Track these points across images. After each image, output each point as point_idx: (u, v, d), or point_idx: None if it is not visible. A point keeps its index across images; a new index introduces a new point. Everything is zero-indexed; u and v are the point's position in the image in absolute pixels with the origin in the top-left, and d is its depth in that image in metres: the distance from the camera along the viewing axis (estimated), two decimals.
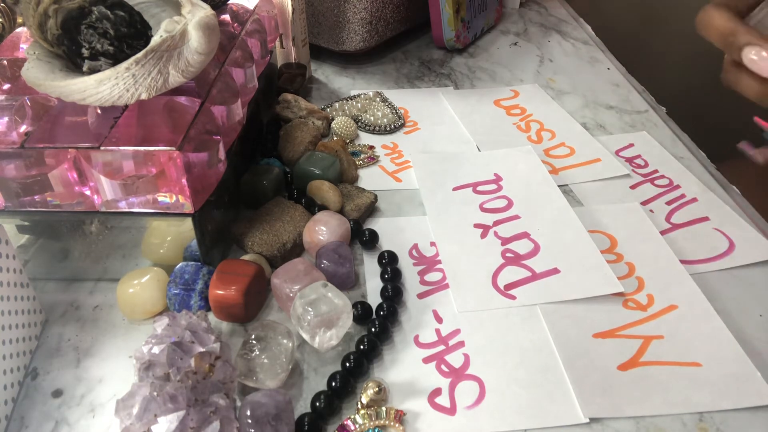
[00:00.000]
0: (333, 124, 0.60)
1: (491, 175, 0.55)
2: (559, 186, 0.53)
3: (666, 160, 0.57)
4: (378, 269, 0.45)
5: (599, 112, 0.66)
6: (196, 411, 0.31)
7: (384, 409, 0.35)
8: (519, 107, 0.66)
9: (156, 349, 0.33)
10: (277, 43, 0.64)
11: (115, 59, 0.38)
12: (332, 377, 0.37)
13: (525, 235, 0.48)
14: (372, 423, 0.35)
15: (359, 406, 0.36)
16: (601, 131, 0.62)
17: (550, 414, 0.36)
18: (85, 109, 0.41)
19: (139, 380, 0.33)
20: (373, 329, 0.39)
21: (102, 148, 0.37)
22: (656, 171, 0.56)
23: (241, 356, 0.36)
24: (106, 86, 0.36)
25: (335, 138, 0.59)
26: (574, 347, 0.39)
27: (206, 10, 0.40)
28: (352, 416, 0.35)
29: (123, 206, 0.39)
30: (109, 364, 0.39)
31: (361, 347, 0.38)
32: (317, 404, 0.35)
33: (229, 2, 0.54)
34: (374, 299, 0.43)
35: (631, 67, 0.76)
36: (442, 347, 0.40)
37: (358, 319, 0.41)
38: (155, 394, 0.31)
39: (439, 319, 0.42)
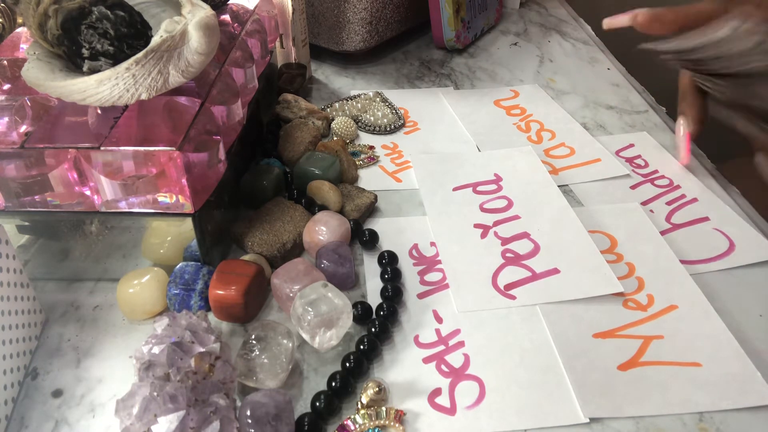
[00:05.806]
0: (333, 124, 0.60)
1: (491, 175, 0.55)
2: (559, 186, 0.53)
3: (666, 160, 0.57)
4: (378, 269, 0.45)
5: (599, 112, 0.66)
6: (196, 411, 0.31)
7: (384, 409, 0.35)
8: (519, 107, 0.66)
9: (156, 349, 0.33)
10: (277, 43, 0.64)
11: (115, 59, 0.38)
12: (332, 377, 0.37)
13: (525, 235, 0.48)
14: (372, 423, 0.35)
15: (359, 406, 0.36)
16: (601, 131, 0.62)
17: (550, 414, 0.36)
18: (85, 109, 0.41)
19: (139, 380, 0.33)
20: (373, 329, 0.39)
21: (102, 148, 0.37)
22: (656, 171, 0.56)
23: (241, 356, 0.36)
24: (106, 86, 0.36)
25: (335, 138, 0.59)
26: (574, 347, 0.39)
27: (206, 10, 0.40)
28: (352, 416, 0.35)
29: (123, 206, 0.39)
30: (109, 364, 0.39)
31: (361, 347, 0.38)
32: (317, 404, 0.35)
33: (229, 2, 0.54)
34: (374, 299, 0.43)
35: (631, 67, 0.76)
36: (442, 347, 0.40)
37: (358, 319, 0.41)
38: (155, 394, 0.31)
39: (439, 319, 0.42)
